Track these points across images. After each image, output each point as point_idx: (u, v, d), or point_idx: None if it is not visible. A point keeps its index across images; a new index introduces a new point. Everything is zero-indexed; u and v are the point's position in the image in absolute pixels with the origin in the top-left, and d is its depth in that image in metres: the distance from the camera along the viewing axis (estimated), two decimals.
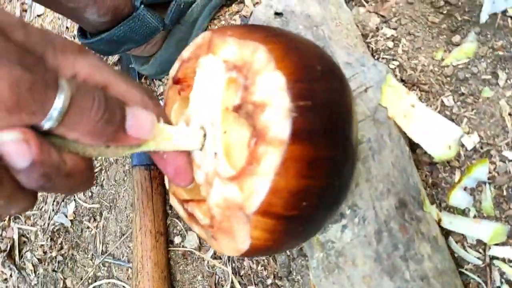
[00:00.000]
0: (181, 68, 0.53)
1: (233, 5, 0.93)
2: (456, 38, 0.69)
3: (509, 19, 0.64)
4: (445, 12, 0.70)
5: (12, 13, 1.35)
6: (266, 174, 0.40)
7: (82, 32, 0.85)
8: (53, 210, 1.16)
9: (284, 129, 0.39)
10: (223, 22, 0.94)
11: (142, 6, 0.79)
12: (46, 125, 0.30)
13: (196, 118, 0.48)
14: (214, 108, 0.46)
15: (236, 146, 0.46)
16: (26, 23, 0.32)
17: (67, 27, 1.23)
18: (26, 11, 1.34)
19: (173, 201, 0.56)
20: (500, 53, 0.64)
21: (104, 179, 1.08)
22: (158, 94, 1.01)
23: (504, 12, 0.64)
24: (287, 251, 0.78)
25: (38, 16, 1.30)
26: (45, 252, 1.18)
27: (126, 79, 0.39)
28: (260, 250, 0.46)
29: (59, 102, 0.30)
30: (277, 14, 0.69)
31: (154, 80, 1.04)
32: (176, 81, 0.54)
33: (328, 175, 0.43)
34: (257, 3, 0.89)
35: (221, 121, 0.45)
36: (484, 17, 0.65)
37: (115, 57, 1.11)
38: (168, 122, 0.44)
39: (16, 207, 0.32)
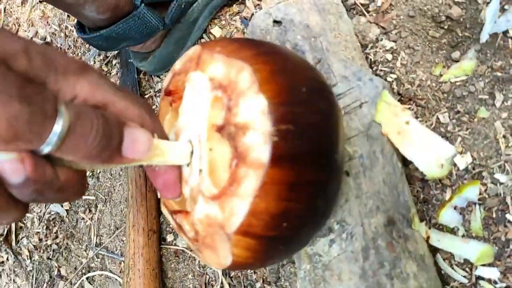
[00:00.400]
0: (172, 80, 0.53)
1: (234, 5, 0.92)
2: (456, 54, 0.69)
3: (509, 40, 0.63)
4: (446, 27, 0.70)
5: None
6: (246, 196, 0.40)
7: (80, 26, 0.85)
8: None
9: (264, 153, 0.39)
10: (223, 22, 0.93)
11: (143, 5, 0.79)
12: (44, 150, 0.31)
13: (184, 132, 0.49)
14: (201, 125, 0.46)
15: (220, 165, 0.46)
16: (29, 48, 0.32)
17: (68, 15, 1.22)
18: None
19: (164, 210, 0.57)
20: (499, 74, 0.63)
21: (100, 172, 1.09)
22: (156, 90, 1.01)
23: (505, 33, 0.63)
24: None
25: (40, 2, 1.29)
26: (40, 240, 1.19)
27: (125, 95, 0.40)
28: (241, 266, 0.47)
29: (58, 128, 0.31)
30: (276, 22, 0.69)
31: (153, 76, 1.03)
32: (168, 93, 0.54)
33: (310, 197, 0.43)
34: (258, 5, 0.89)
35: (207, 139, 0.45)
36: (484, 37, 0.64)
37: (115, 51, 1.10)
38: (164, 137, 0.44)
39: (7, 217, 0.33)
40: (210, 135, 0.45)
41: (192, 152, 0.46)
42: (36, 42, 0.34)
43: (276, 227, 0.42)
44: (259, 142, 0.39)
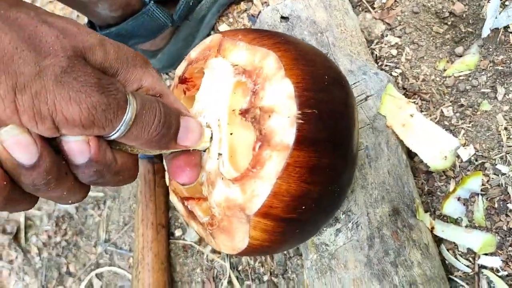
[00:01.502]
0: (188, 68, 0.54)
1: (242, 3, 0.94)
2: (459, 49, 0.70)
3: (510, 35, 0.65)
4: (449, 23, 0.71)
5: None
6: (269, 178, 0.42)
7: (91, 26, 0.87)
8: None
9: (290, 135, 0.41)
10: (231, 20, 0.95)
11: (152, 2, 0.81)
12: (112, 136, 0.35)
13: (201, 118, 0.50)
14: (221, 110, 0.47)
15: (240, 149, 0.47)
16: (104, 41, 0.36)
17: (78, 15, 1.24)
18: None
19: (173, 198, 0.58)
20: (500, 68, 0.65)
21: None
22: None
23: (506, 28, 0.65)
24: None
25: (50, 2, 1.31)
26: (49, 237, 1.20)
27: (168, 89, 0.43)
28: (256, 250, 0.48)
29: (127, 118, 0.34)
30: (283, 18, 0.71)
31: (162, 73, 1.05)
32: (182, 81, 0.55)
33: (328, 181, 0.45)
34: (265, 2, 0.90)
35: (228, 123, 0.47)
36: (486, 32, 0.66)
37: None
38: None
39: (73, 198, 0.37)
40: (231, 119, 0.47)
41: (211, 137, 0.48)
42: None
43: (295, 209, 0.43)
44: (285, 125, 0.41)
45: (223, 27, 0.95)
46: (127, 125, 0.34)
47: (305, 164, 0.41)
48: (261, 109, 0.43)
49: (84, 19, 1.06)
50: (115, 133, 0.34)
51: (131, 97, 0.35)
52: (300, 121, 0.41)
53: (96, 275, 1.08)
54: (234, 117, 0.47)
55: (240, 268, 0.87)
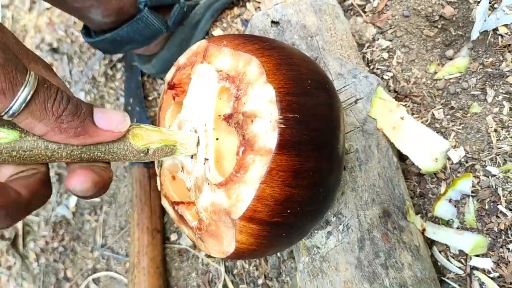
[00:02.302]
0: (176, 74, 0.55)
1: (235, 8, 0.95)
2: (450, 52, 0.71)
3: (499, 37, 0.65)
4: (439, 26, 0.72)
5: (22, 5, 1.37)
6: (252, 182, 0.42)
7: (86, 30, 0.88)
8: (56, 201, 1.19)
9: (272, 140, 0.41)
10: (224, 25, 0.96)
11: (146, 8, 0.81)
12: (10, 111, 0.32)
13: (188, 123, 0.51)
14: (208, 115, 0.48)
15: (227, 154, 0.48)
16: (4, 28, 0.35)
17: (74, 22, 1.25)
18: (35, 2, 1.36)
19: (164, 202, 0.58)
20: (490, 70, 0.65)
21: None
22: (159, 92, 1.04)
23: (495, 30, 0.65)
24: (278, 254, 0.80)
25: (47, 9, 1.32)
26: (47, 243, 1.21)
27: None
28: (244, 253, 0.48)
29: (28, 85, 0.32)
30: (274, 23, 0.71)
31: (156, 79, 1.06)
32: (171, 86, 0.56)
33: (313, 185, 0.45)
34: (258, 7, 0.91)
35: (214, 128, 0.47)
36: (475, 35, 0.66)
37: (119, 54, 1.13)
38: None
39: None
40: (217, 124, 0.47)
41: (198, 142, 0.48)
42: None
43: (280, 213, 0.43)
44: (267, 129, 0.41)
45: (217, 32, 0.96)
46: (27, 95, 0.32)
47: (288, 168, 0.42)
48: (244, 114, 0.43)
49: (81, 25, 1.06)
50: (15, 102, 0.32)
51: (32, 71, 0.33)
52: (282, 125, 0.41)
53: (93, 280, 1.08)
54: (220, 122, 0.47)
55: (235, 272, 0.87)
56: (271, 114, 0.41)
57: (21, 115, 0.33)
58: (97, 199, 1.11)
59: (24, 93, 0.32)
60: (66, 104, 0.35)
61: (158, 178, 0.60)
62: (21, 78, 0.32)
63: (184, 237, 0.94)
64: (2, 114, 0.33)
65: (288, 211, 0.44)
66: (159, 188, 0.60)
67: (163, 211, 0.97)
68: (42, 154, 0.37)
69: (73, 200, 1.15)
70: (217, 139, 0.48)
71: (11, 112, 0.32)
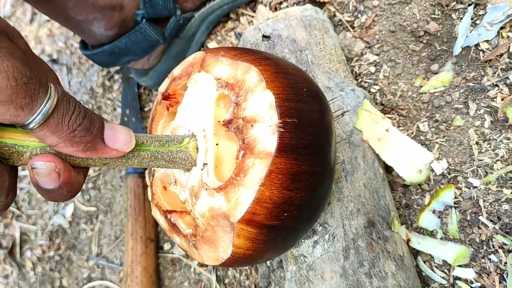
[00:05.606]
0: (171, 84, 0.56)
1: (229, 22, 0.97)
2: (435, 67, 0.72)
3: (480, 52, 0.67)
4: (424, 41, 0.74)
5: (23, 16, 1.40)
6: (252, 185, 0.43)
7: (83, 44, 0.90)
8: (53, 210, 1.20)
9: (272, 143, 0.43)
10: (219, 38, 0.98)
11: (144, 20, 0.83)
12: (31, 124, 0.33)
13: (183, 129, 0.52)
14: (207, 121, 0.50)
15: (226, 160, 0.49)
16: (22, 37, 0.36)
17: (73, 34, 1.28)
18: (36, 14, 1.39)
19: (155, 212, 0.60)
20: (472, 84, 0.67)
21: (101, 184, 1.12)
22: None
23: (477, 46, 0.67)
24: (268, 263, 0.81)
25: (48, 21, 1.35)
26: (43, 251, 1.22)
27: None
28: (239, 259, 0.49)
29: (48, 101, 0.33)
30: (265, 37, 0.73)
31: (152, 90, 1.08)
32: (165, 97, 0.58)
33: (309, 188, 0.46)
34: (251, 21, 0.93)
35: (214, 133, 0.49)
36: (457, 50, 0.68)
37: (117, 67, 1.15)
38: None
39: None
40: (216, 130, 0.49)
41: (197, 148, 0.50)
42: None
43: (278, 216, 0.45)
44: (267, 133, 0.43)
45: (212, 44, 0.98)
46: (47, 110, 0.33)
47: (286, 171, 0.43)
48: (244, 119, 0.45)
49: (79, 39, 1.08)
50: (35, 117, 0.33)
51: (52, 84, 0.34)
52: (281, 129, 0.43)
53: None
54: (220, 128, 0.49)
55: (226, 281, 0.88)
56: (271, 118, 0.43)
57: (38, 128, 0.34)
58: (93, 208, 1.12)
59: (45, 108, 0.33)
60: (82, 120, 0.36)
61: (149, 188, 0.61)
62: (43, 94, 0.32)
63: (177, 246, 0.96)
64: (19, 126, 0.34)
65: (285, 214, 0.45)
66: (149, 198, 0.61)
67: (156, 221, 0.99)
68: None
69: (69, 209, 1.17)
70: (217, 144, 0.49)
71: (30, 126, 0.33)
